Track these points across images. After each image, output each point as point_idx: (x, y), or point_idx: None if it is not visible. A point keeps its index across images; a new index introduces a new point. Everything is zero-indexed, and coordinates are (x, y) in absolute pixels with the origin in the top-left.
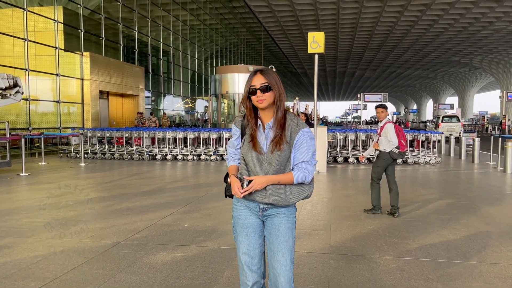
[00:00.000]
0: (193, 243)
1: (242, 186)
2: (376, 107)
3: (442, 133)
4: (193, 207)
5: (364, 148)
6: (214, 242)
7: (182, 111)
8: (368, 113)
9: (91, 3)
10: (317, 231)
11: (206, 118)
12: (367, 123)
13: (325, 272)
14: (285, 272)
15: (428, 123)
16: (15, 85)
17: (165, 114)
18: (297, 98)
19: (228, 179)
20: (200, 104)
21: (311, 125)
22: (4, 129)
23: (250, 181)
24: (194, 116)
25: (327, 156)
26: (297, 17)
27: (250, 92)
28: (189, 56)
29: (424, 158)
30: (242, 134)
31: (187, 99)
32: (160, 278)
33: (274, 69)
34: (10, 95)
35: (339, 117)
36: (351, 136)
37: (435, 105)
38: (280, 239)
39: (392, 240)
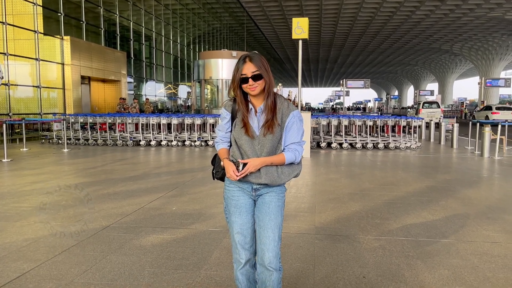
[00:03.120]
0: (182, 226)
1: (237, 169)
2: None
3: (423, 118)
4: (180, 192)
5: (347, 133)
6: (202, 225)
7: (164, 96)
8: (351, 99)
9: None
10: (302, 213)
11: (189, 104)
12: (349, 109)
13: (310, 251)
14: (273, 248)
15: (409, 109)
16: None
17: (148, 99)
18: (280, 84)
19: (222, 163)
20: (183, 90)
21: None
22: None
23: (244, 164)
24: (176, 102)
25: (310, 141)
26: (280, 2)
27: (242, 80)
28: (171, 41)
29: (405, 143)
30: (233, 118)
31: (170, 85)
32: (151, 258)
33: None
34: None
35: (322, 103)
36: (334, 122)
37: (416, 91)
38: (270, 216)
39: (374, 221)
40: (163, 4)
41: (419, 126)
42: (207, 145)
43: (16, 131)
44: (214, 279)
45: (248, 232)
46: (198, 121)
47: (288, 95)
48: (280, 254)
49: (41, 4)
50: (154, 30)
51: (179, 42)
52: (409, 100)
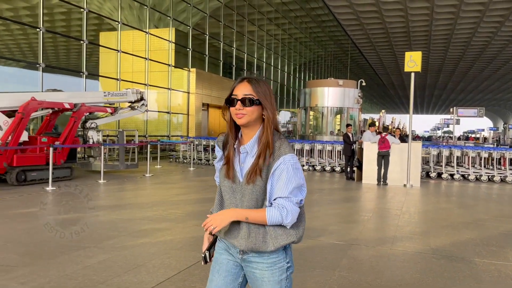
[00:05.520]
0: (309, 238)
1: (204, 259)
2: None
3: None
4: None
5: (459, 164)
6: (327, 238)
7: None
8: (461, 128)
9: (191, 20)
10: (417, 236)
11: (290, 129)
12: (459, 138)
13: (428, 266)
14: None
15: None
16: (141, 98)
17: None
18: (383, 110)
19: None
20: (284, 116)
21: (404, 141)
22: (130, 136)
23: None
24: None
25: (421, 171)
26: (386, 29)
27: (230, 101)
28: (279, 70)
29: None
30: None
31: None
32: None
33: (364, 83)
34: (137, 107)
35: (428, 131)
36: (445, 152)
37: None
38: None
39: (490, 248)
40: (273, 34)
41: None
42: (314, 170)
43: (149, 150)
44: (347, 279)
45: None
46: (307, 147)
47: (392, 121)
48: None
49: (174, 42)
50: (263, 60)
51: (286, 70)
52: None
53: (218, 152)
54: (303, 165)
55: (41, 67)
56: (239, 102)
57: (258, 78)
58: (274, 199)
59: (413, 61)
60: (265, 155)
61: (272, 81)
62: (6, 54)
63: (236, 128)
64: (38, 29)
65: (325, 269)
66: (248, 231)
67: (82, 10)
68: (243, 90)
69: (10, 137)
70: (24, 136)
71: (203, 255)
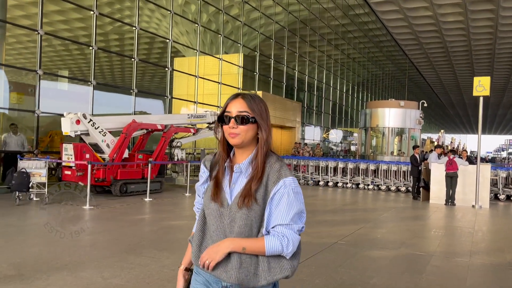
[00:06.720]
0: (391, 248)
1: None
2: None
3: None
4: (375, 225)
5: None
6: (407, 249)
7: (324, 141)
8: None
9: (251, 43)
10: (493, 251)
11: (346, 148)
12: None
13: (507, 276)
14: None
15: None
16: None
17: (319, 144)
18: (442, 130)
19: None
20: (339, 135)
21: (472, 162)
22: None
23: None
24: (328, 145)
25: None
26: (446, 49)
27: (223, 119)
28: (337, 90)
29: None
30: (211, 177)
31: (332, 130)
32: (380, 264)
33: (425, 104)
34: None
35: (491, 152)
36: None
37: None
38: None
39: None
40: (331, 55)
41: None
42: (380, 189)
43: None
44: (434, 282)
45: None
46: (372, 166)
47: (451, 142)
48: None
49: (243, 66)
50: (322, 81)
51: (344, 90)
52: None
53: (204, 173)
54: (368, 184)
55: (134, 92)
56: (232, 120)
57: (253, 95)
58: (273, 227)
59: (481, 85)
60: (257, 180)
61: (330, 101)
62: (109, 81)
63: (228, 147)
64: (132, 59)
65: (412, 273)
66: (239, 261)
67: (167, 40)
68: (237, 107)
69: (115, 154)
70: (125, 153)
71: None
